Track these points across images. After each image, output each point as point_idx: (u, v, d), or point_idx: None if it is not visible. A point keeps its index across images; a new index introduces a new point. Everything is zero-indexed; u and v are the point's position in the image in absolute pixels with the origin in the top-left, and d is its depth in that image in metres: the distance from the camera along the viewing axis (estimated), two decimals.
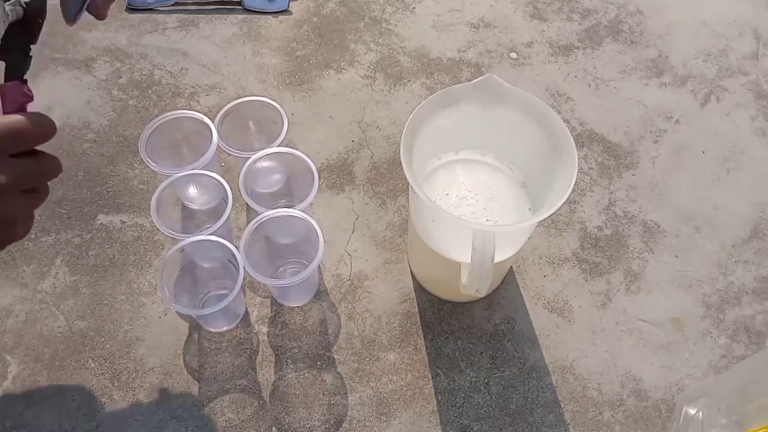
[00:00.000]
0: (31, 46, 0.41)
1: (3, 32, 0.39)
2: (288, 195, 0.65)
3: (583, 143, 0.73)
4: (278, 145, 0.58)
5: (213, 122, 0.59)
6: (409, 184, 0.47)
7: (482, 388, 0.58)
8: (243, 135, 0.63)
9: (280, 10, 0.82)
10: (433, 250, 0.54)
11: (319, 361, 0.59)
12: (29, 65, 0.41)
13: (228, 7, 0.81)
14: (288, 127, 0.59)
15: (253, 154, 0.57)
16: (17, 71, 0.41)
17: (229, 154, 0.58)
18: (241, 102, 0.61)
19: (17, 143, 0.37)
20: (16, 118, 0.37)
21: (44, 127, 0.38)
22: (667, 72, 0.79)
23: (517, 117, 0.52)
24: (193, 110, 0.59)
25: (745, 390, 0.59)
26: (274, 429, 0.56)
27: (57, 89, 0.74)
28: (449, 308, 0.62)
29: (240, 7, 0.81)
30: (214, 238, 0.53)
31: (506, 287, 0.64)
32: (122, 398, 0.57)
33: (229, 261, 0.54)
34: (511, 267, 0.64)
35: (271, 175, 0.63)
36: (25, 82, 0.41)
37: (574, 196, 0.69)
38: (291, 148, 0.58)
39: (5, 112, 0.39)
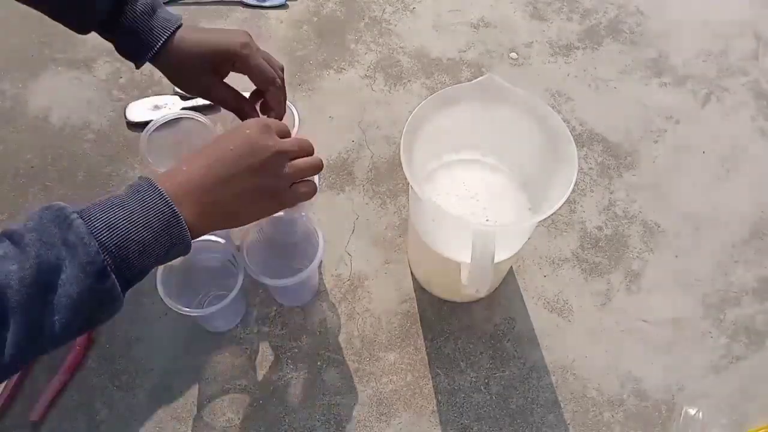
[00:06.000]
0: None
1: None
2: None
3: (583, 143, 0.73)
4: None
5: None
6: (409, 184, 0.47)
7: (482, 388, 0.58)
8: None
9: (279, 4, 0.82)
10: (433, 250, 0.54)
11: (319, 361, 0.59)
12: None
13: (226, 1, 0.82)
14: (298, 126, 0.59)
15: None
16: None
17: None
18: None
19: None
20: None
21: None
22: (667, 72, 0.79)
23: (517, 117, 0.52)
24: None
25: (745, 390, 0.59)
26: (274, 429, 0.56)
27: (57, 89, 0.74)
28: (449, 308, 0.62)
29: (238, 4, 0.81)
30: (214, 238, 0.53)
31: (506, 287, 0.63)
32: (122, 398, 0.57)
33: (229, 261, 0.54)
34: (511, 267, 0.64)
35: None
36: None
37: (574, 196, 0.69)
38: None
39: None
